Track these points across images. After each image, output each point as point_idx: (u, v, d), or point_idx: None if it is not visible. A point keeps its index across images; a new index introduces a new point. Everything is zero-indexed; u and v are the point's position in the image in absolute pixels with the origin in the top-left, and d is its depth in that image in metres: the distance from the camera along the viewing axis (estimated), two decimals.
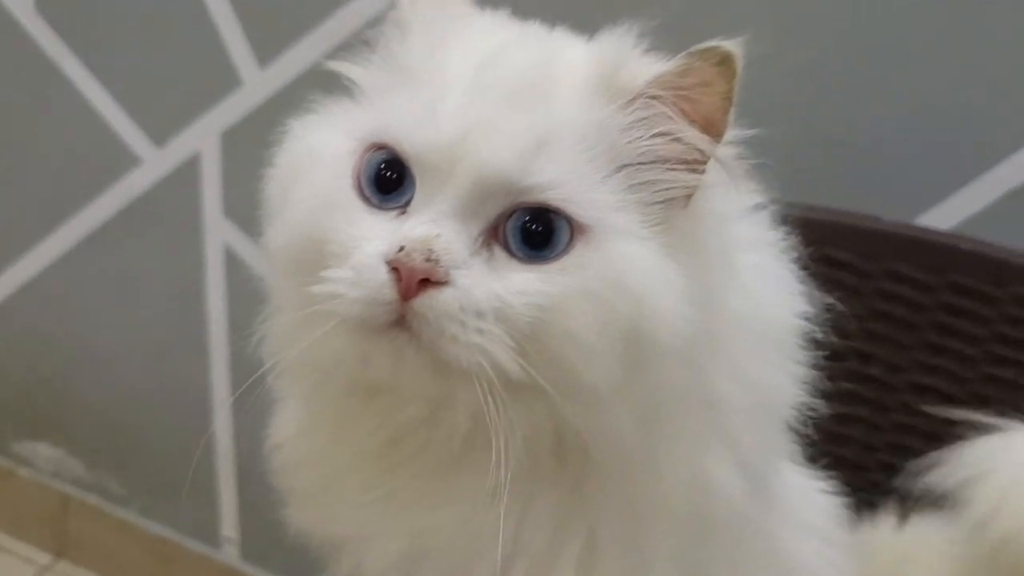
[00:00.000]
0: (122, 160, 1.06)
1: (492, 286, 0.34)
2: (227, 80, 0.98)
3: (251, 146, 1.05)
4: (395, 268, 0.34)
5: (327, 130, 0.40)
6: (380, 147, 0.38)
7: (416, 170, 0.36)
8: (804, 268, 0.46)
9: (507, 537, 0.36)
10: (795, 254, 0.43)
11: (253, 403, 1.10)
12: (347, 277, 0.35)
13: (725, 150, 0.36)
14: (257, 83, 0.98)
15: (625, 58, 0.37)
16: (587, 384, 0.35)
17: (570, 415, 0.36)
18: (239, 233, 1.05)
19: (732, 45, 0.35)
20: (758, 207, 0.43)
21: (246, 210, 1.04)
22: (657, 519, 0.39)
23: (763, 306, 0.40)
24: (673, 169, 0.36)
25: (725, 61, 0.35)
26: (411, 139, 0.36)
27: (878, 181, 0.80)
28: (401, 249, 0.34)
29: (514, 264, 0.35)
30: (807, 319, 0.42)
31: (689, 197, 0.36)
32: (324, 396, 0.42)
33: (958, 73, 0.77)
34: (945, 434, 0.61)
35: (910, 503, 0.57)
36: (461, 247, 0.35)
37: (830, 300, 0.48)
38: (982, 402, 0.63)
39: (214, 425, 1.15)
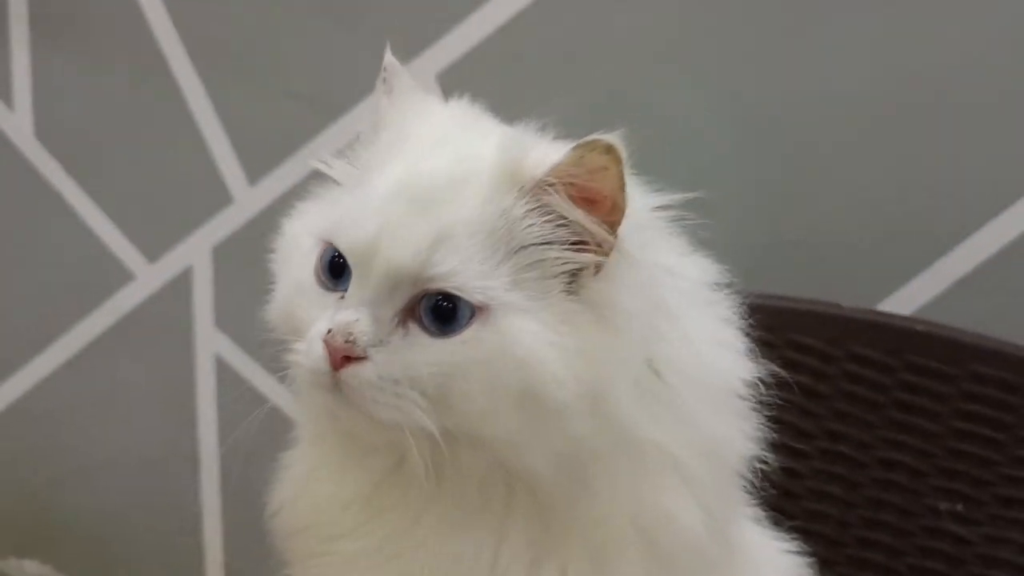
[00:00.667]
0: (115, 276, 1.10)
1: (406, 358, 0.42)
2: (219, 197, 1.04)
3: (242, 259, 1.10)
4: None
5: (302, 222, 0.45)
6: (324, 243, 0.45)
7: (349, 263, 0.43)
8: (771, 351, 0.51)
9: (485, 568, 0.40)
10: (743, 322, 0.47)
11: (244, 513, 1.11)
12: (302, 349, 0.43)
13: (628, 222, 0.42)
14: (247, 199, 1.03)
15: (524, 152, 0.43)
16: (489, 436, 0.42)
17: (501, 458, 0.42)
18: (231, 344, 1.09)
19: (613, 138, 0.41)
20: (717, 286, 0.47)
21: (238, 321, 1.09)
22: (619, 555, 0.42)
23: (707, 359, 0.44)
24: (567, 249, 0.42)
25: (611, 150, 0.40)
26: (342, 238, 0.44)
27: (839, 272, 0.86)
28: (329, 331, 0.41)
29: (425, 338, 0.42)
30: (756, 380, 0.45)
31: (597, 268, 0.42)
32: (322, 446, 0.46)
33: (910, 168, 0.83)
34: (918, 507, 0.65)
35: None
36: (376, 329, 0.42)
37: (797, 380, 0.52)
38: (949, 476, 0.66)
39: (204, 536, 1.15)
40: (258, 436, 1.09)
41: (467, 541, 0.44)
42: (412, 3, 0.94)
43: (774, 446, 0.61)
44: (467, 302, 0.41)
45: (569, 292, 0.41)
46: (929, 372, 0.66)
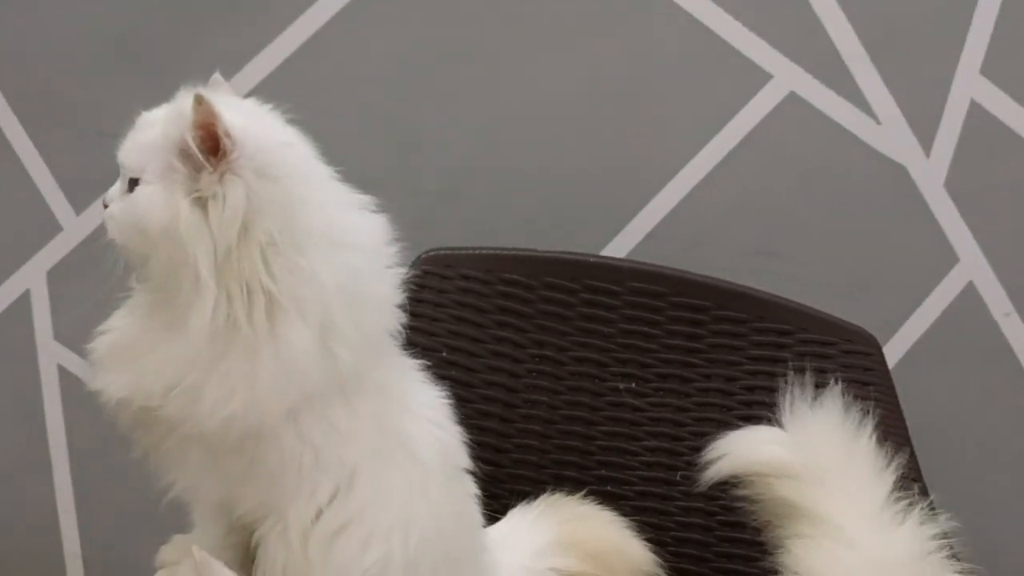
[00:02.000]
0: None
1: (113, 208, 0.71)
2: (49, 226, 1.19)
3: (75, 279, 1.26)
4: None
5: None
6: None
7: None
8: (488, 286, 0.74)
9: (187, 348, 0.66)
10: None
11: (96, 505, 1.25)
12: None
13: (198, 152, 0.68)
14: (75, 227, 1.20)
15: (180, 109, 0.69)
16: (139, 251, 0.69)
17: (154, 274, 0.70)
18: (70, 354, 1.24)
19: (199, 90, 0.68)
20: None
21: (75, 332, 1.23)
22: (270, 361, 0.67)
23: (356, 235, 0.69)
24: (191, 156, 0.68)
25: (199, 102, 0.67)
26: None
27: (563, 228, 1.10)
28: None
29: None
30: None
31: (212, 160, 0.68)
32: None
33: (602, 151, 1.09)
34: (604, 389, 0.89)
35: None
36: (120, 192, 0.70)
37: (509, 306, 0.76)
38: (623, 363, 0.91)
39: (62, 530, 1.28)
40: (107, 436, 1.26)
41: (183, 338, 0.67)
42: (201, 51, 1.14)
43: (498, 354, 0.85)
44: (136, 178, 0.69)
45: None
46: (601, 291, 0.91)
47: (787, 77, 1.07)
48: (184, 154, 0.65)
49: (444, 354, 0.83)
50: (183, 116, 0.65)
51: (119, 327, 0.70)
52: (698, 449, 0.88)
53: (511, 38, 1.09)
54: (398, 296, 0.70)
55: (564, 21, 1.08)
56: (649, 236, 1.10)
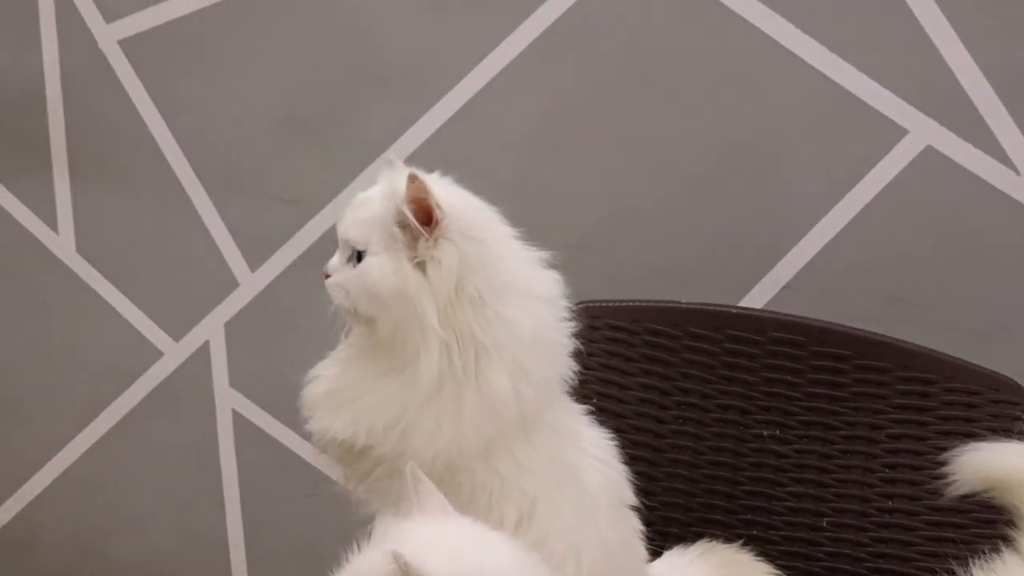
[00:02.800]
0: (147, 355, 1.36)
1: (338, 277, 0.78)
2: (227, 282, 1.32)
3: (249, 330, 1.38)
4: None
5: None
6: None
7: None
8: (634, 336, 0.80)
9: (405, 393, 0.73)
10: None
11: (264, 540, 1.36)
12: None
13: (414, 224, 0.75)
14: (250, 283, 1.32)
15: (394, 188, 0.77)
16: (371, 314, 0.77)
17: (382, 334, 0.77)
18: (244, 400, 1.35)
19: (412, 169, 0.75)
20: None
21: (249, 380, 1.34)
22: (474, 402, 0.75)
23: (536, 287, 0.77)
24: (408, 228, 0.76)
25: (412, 180, 0.74)
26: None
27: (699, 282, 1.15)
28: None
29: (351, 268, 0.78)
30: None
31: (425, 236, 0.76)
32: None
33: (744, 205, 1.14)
34: (748, 436, 0.93)
35: None
36: (342, 263, 0.78)
37: (655, 356, 0.83)
38: (767, 411, 0.95)
39: (232, 565, 1.39)
40: (275, 476, 1.36)
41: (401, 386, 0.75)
42: (361, 123, 1.25)
43: (645, 401, 0.90)
44: (361, 250, 0.77)
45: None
46: (743, 340, 0.95)
47: (923, 131, 1.09)
48: (403, 225, 0.74)
49: (595, 401, 0.88)
50: (398, 193, 0.75)
51: (331, 375, 0.79)
52: (843, 496, 0.91)
53: (647, 97, 1.15)
54: (570, 344, 0.77)
55: (699, 80, 1.14)
56: (786, 288, 1.13)
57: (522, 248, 0.79)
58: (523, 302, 0.75)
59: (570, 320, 0.78)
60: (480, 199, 0.80)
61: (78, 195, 1.34)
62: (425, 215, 0.74)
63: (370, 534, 0.60)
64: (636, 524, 0.79)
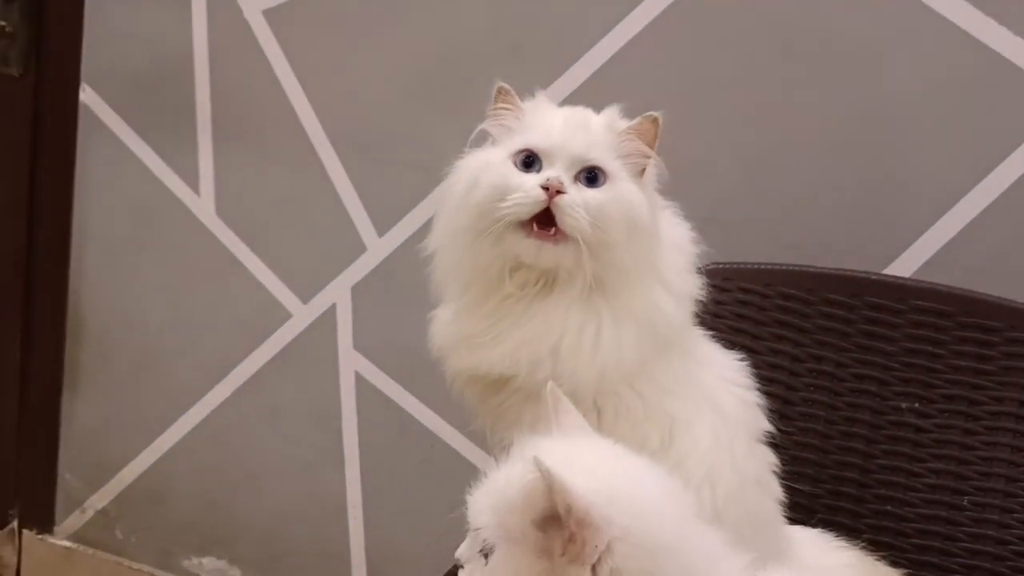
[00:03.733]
0: (277, 316, 1.40)
1: (579, 196, 0.77)
2: (355, 247, 1.35)
3: (375, 295, 1.40)
4: (545, 188, 0.76)
5: (487, 153, 0.82)
6: (523, 150, 0.80)
7: (542, 156, 0.79)
8: (766, 299, 0.78)
9: (563, 319, 0.74)
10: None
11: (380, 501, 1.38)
12: (521, 196, 0.77)
13: (654, 160, 0.78)
14: (377, 248, 1.34)
15: (615, 119, 0.81)
16: (610, 241, 0.77)
17: (604, 260, 0.77)
18: (367, 363, 1.38)
19: (658, 113, 0.78)
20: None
21: (373, 344, 1.37)
22: (632, 319, 0.72)
23: (673, 231, 0.73)
24: (636, 160, 0.79)
25: (655, 121, 0.77)
26: (541, 144, 0.79)
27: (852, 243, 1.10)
28: (547, 180, 0.77)
29: (585, 189, 0.78)
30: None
31: (643, 172, 0.79)
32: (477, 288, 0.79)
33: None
34: (885, 408, 0.89)
35: None
36: (568, 181, 0.77)
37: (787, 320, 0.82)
38: (905, 382, 0.90)
39: (349, 523, 1.42)
40: (393, 439, 1.38)
41: (560, 313, 0.76)
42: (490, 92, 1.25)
43: (775, 366, 0.88)
44: (604, 172, 0.78)
45: (637, 178, 0.80)
46: (883, 308, 0.91)
47: None
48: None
49: None
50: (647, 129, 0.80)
51: (462, 317, 0.80)
52: (988, 475, 0.86)
53: (785, 65, 1.12)
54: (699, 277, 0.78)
55: (841, 46, 1.10)
56: (927, 264, 1.08)
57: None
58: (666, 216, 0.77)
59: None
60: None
61: (219, 160, 1.39)
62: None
63: (508, 452, 0.59)
64: (771, 458, 0.78)
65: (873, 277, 0.93)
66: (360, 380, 1.38)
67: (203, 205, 1.41)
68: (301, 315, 1.40)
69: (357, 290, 1.36)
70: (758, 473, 0.76)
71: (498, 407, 0.77)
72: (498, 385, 0.77)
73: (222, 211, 1.41)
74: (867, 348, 0.91)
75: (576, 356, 0.74)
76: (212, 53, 1.37)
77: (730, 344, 0.88)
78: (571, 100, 1.22)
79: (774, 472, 0.78)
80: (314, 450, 1.42)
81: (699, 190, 1.17)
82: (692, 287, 0.78)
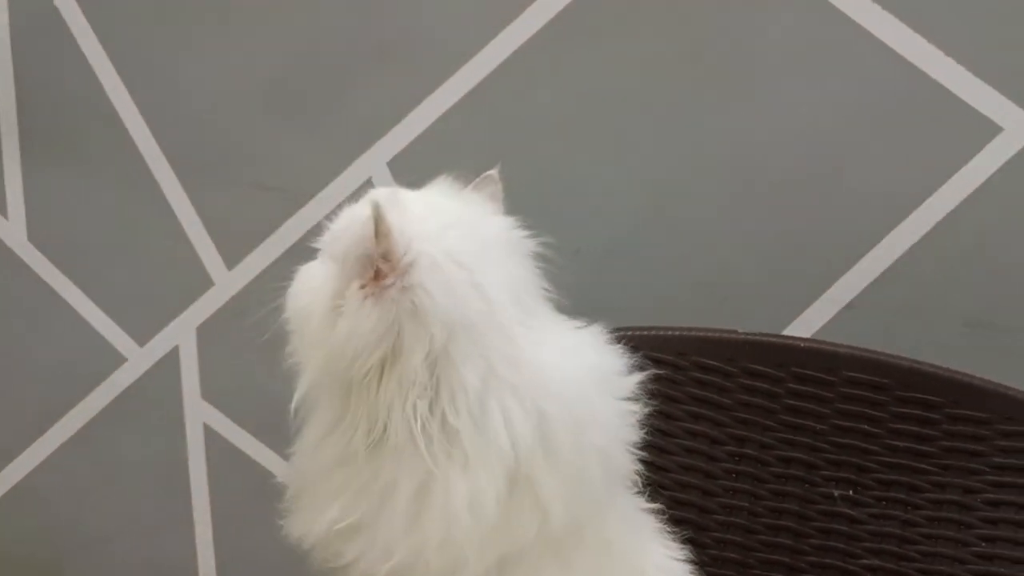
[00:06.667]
0: (109, 360, 1.21)
1: None
2: (200, 281, 1.15)
3: (224, 335, 1.21)
4: None
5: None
6: None
7: None
8: (681, 372, 0.63)
9: None
10: None
11: (238, 567, 1.21)
12: None
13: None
14: (226, 282, 1.15)
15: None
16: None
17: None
18: (217, 413, 1.19)
19: (373, 202, 0.59)
20: None
21: (223, 392, 1.19)
22: None
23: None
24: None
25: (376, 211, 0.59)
26: None
27: (744, 307, 0.99)
28: None
29: None
30: None
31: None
32: None
33: (790, 220, 0.98)
34: (814, 495, 0.77)
35: None
36: None
37: (704, 396, 0.66)
38: (837, 466, 0.79)
39: None
40: (249, 498, 1.21)
41: None
42: (357, 103, 1.08)
43: (692, 451, 0.74)
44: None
45: None
46: (811, 380, 0.79)
47: (1020, 129, 0.92)
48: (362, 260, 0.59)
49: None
50: (362, 222, 0.59)
51: (299, 449, 0.63)
52: (929, 573, 0.75)
53: (696, 81, 0.98)
54: (631, 431, 0.60)
55: (758, 63, 0.97)
56: (850, 307, 0.97)
57: (549, 321, 0.62)
58: (529, 389, 0.57)
59: (632, 404, 0.60)
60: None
61: (30, 176, 1.19)
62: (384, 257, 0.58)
63: None
64: None
65: (801, 344, 0.80)
66: (210, 432, 1.20)
67: (12, 230, 1.20)
68: (137, 359, 1.20)
69: (203, 331, 1.17)
70: None
71: None
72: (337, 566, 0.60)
73: (36, 237, 1.20)
74: (794, 427, 0.79)
75: (372, 541, 0.58)
76: (15, 45, 1.14)
77: (638, 425, 0.74)
78: (451, 113, 1.07)
79: None
80: (158, 511, 1.24)
81: (598, 220, 1.04)
82: (598, 464, 0.58)
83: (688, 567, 0.63)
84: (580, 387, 0.58)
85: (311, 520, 0.59)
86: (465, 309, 0.57)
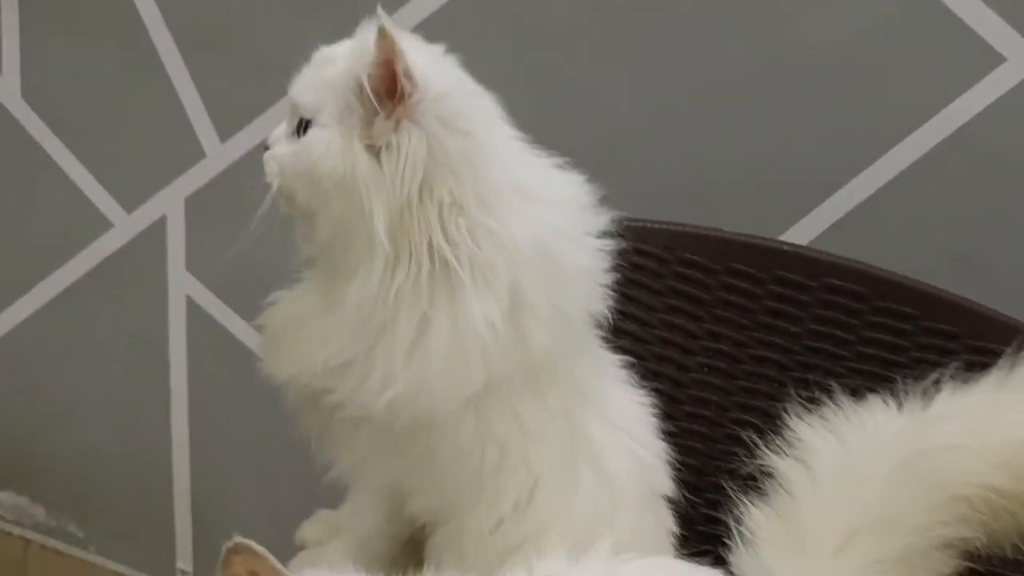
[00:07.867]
0: (95, 225, 1.20)
1: (276, 152, 0.66)
2: (192, 152, 1.15)
3: (212, 209, 1.22)
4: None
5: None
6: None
7: None
8: (664, 265, 0.64)
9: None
10: None
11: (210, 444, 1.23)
12: None
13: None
14: (218, 154, 1.15)
15: (361, 46, 0.63)
16: (304, 205, 0.64)
17: (310, 232, 0.65)
18: (201, 287, 1.20)
19: (385, 22, 0.60)
20: None
21: (208, 265, 1.19)
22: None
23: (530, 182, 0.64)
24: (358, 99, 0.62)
25: (383, 33, 0.59)
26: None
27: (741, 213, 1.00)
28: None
29: (290, 142, 0.65)
30: None
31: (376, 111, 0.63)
32: None
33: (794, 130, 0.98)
34: (782, 395, 0.79)
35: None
36: (284, 135, 0.66)
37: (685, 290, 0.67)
38: (807, 368, 0.81)
39: (173, 465, 1.26)
40: (228, 375, 1.22)
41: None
42: None
43: (667, 342, 0.76)
44: (309, 117, 0.62)
45: None
46: (792, 283, 0.80)
47: (1022, 61, 0.93)
48: (361, 95, 0.58)
49: (606, 337, 0.73)
50: (366, 52, 0.58)
51: (287, 298, 0.64)
52: None
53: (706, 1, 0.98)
54: (604, 271, 0.61)
55: None
56: (836, 226, 0.98)
57: (528, 151, 0.62)
58: (523, 207, 0.59)
59: (604, 240, 0.62)
60: (481, 87, 0.63)
61: (27, 31, 1.17)
62: (390, 86, 0.57)
63: None
64: (668, 522, 0.64)
65: (785, 248, 0.82)
66: (192, 306, 1.21)
67: (6, 84, 1.18)
68: (124, 226, 1.20)
69: (192, 202, 1.17)
70: (646, 543, 0.62)
71: (324, 425, 0.62)
72: (316, 399, 0.61)
73: (30, 94, 1.18)
74: (770, 327, 0.81)
75: (363, 379, 0.59)
76: None
77: (619, 315, 0.75)
78: (454, 6, 1.06)
79: (670, 533, 0.65)
80: (135, 384, 1.25)
81: (593, 127, 1.03)
82: (572, 294, 0.60)
83: (652, 411, 0.64)
84: (570, 211, 0.60)
85: (303, 358, 0.60)
86: (477, 118, 0.59)
